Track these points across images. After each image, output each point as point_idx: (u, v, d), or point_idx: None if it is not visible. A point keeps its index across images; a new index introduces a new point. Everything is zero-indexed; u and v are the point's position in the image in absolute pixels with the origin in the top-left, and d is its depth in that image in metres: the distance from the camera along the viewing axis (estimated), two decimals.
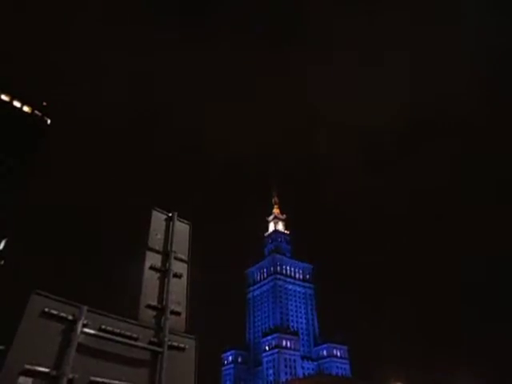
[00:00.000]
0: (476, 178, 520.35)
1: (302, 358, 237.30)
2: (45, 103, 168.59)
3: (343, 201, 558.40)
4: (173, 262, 7.26)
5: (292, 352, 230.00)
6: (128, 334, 5.85)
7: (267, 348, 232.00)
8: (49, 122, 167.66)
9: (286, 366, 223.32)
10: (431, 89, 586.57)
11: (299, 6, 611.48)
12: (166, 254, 7.35)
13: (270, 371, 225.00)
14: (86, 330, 5.43)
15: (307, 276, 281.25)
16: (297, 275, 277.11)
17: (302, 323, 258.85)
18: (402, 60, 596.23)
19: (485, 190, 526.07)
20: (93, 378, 5.27)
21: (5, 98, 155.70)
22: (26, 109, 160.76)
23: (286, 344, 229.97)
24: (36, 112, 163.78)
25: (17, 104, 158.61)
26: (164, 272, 7.10)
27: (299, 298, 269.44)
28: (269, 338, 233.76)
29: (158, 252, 7.30)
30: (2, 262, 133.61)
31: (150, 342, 6.10)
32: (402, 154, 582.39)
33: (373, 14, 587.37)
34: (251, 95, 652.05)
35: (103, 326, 5.64)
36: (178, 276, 7.19)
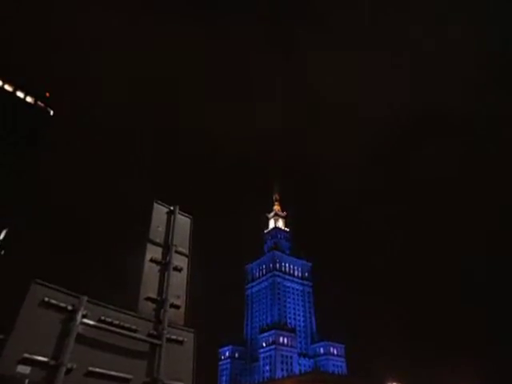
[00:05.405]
0: (476, 177, 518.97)
1: (299, 354, 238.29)
2: (48, 94, 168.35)
3: (343, 198, 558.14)
4: (173, 255, 7.26)
5: (289, 349, 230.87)
6: (127, 325, 5.87)
7: (264, 344, 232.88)
8: (52, 112, 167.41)
9: (282, 363, 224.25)
10: (432, 86, 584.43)
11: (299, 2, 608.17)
12: (166, 247, 7.35)
13: (267, 367, 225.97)
14: (86, 320, 5.44)
15: (306, 274, 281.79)
16: (295, 273, 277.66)
17: (299, 320, 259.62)
18: (403, 57, 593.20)
19: (486, 190, 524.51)
20: (91, 369, 5.29)
21: (8, 88, 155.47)
22: (29, 99, 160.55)
23: (283, 341, 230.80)
24: (39, 103, 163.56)
25: (20, 94, 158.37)
26: (164, 265, 7.11)
27: (297, 295, 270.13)
28: (266, 334, 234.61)
29: (158, 245, 7.30)
30: (2, 252, 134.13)
31: (149, 335, 6.12)
32: (403, 150, 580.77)
33: (374, 11, 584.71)
34: (252, 92, 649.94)
35: (102, 317, 5.66)
36: (178, 269, 7.19)
